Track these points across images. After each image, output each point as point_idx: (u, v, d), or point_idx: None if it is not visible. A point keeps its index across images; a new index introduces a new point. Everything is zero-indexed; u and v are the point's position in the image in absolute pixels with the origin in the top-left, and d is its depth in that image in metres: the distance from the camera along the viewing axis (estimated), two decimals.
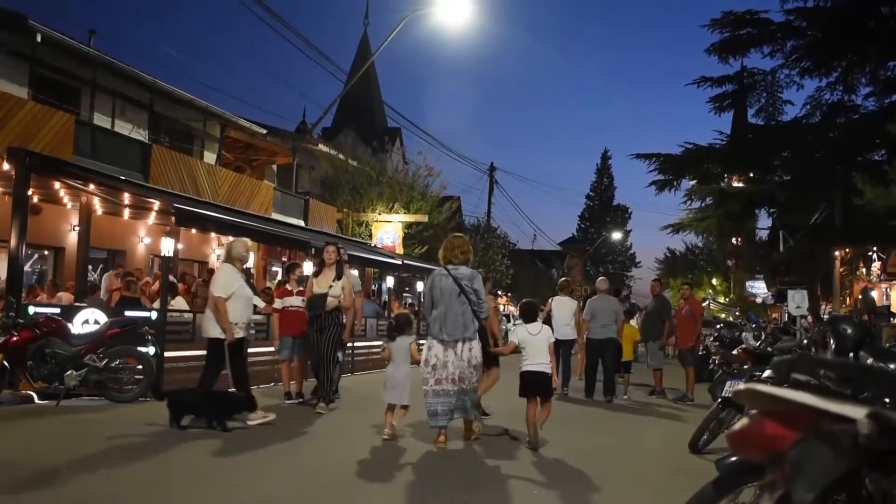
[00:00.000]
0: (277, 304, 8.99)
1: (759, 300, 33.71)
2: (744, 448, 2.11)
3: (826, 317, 14.84)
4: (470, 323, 6.05)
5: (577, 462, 5.80)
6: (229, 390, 6.95)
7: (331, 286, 7.71)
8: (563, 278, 11.62)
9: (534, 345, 6.35)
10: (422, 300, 20.03)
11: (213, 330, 6.76)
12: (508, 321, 21.46)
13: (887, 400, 1.97)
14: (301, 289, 8.65)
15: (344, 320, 7.92)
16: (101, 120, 14.97)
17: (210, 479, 4.75)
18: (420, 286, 19.44)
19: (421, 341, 6.78)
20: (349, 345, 10.37)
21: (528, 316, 6.59)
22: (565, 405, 9.13)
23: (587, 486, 5.02)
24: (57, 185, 10.86)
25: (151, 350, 8.31)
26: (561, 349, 9.37)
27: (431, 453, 5.85)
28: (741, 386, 2.25)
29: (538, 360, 6.30)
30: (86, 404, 7.77)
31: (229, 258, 7.07)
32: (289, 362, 8.66)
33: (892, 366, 4.64)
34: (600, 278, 11.83)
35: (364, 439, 6.27)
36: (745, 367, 6.42)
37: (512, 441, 6.48)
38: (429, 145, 39.47)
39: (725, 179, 29.36)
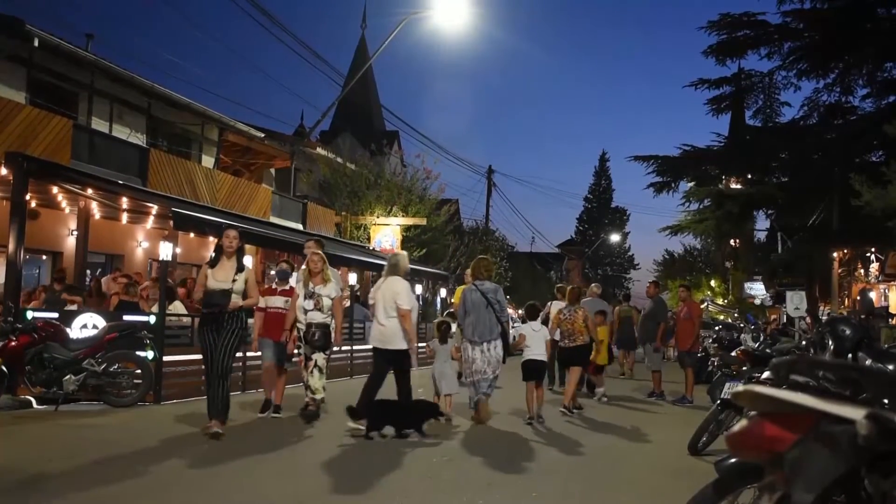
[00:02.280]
0: (260, 303, 7.72)
1: (757, 301, 33.72)
2: (743, 449, 2.11)
3: (824, 318, 14.86)
4: (494, 327, 7.51)
5: (576, 463, 5.81)
6: (417, 398, 7.26)
7: (234, 280, 6.43)
8: (558, 284, 12.15)
9: (535, 339, 7.93)
10: (421, 303, 20.27)
11: (399, 342, 7.02)
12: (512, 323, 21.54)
13: (886, 401, 1.97)
14: (285, 288, 7.90)
15: (249, 322, 7.08)
16: (98, 124, 14.94)
17: (208, 482, 4.75)
18: (419, 289, 19.50)
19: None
20: (340, 348, 9.49)
21: (531, 315, 8.22)
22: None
23: (586, 488, 5.03)
24: (55, 189, 10.85)
25: (150, 354, 8.30)
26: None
27: (419, 454, 5.89)
28: (740, 387, 2.25)
29: (537, 351, 7.89)
30: (84, 409, 7.77)
31: (396, 271, 7.25)
32: (274, 365, 7.78)
33: (890, 367, 4.65)
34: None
35: (359, 441, 6.27)
36: (744, 368, 6.42)
37: (512, 435, 6.58)
38: (427, 148, 39.57)
39: (723, 181, 29.40)
